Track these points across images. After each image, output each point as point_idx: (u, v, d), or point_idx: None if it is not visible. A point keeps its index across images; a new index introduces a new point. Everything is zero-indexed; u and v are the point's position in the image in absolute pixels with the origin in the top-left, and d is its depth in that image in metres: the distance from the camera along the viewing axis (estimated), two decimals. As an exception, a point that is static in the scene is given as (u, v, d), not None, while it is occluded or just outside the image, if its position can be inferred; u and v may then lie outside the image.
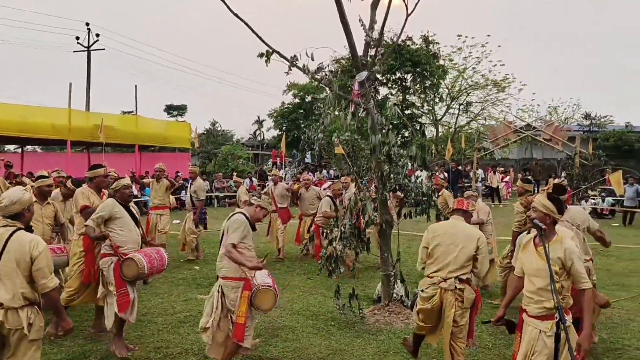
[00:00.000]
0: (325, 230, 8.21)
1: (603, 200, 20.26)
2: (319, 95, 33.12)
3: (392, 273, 7.07)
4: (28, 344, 3.70)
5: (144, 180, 10.60)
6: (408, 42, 29.01)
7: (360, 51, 7.13)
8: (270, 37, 6.65)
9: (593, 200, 19.93)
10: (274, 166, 30.91)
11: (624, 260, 11.28)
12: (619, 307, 7.46)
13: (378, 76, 26.65)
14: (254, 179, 24.40)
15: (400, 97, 31.27)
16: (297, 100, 37.62)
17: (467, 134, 31.64)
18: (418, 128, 21.92)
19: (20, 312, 3.66)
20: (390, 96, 31.37)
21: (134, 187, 17.53)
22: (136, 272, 5.42)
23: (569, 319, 3.86)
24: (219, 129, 45.61)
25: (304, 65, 6.39)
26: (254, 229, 5.27)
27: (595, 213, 19.31)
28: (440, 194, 9.58)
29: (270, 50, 6.66)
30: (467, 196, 8.85)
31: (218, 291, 5.12)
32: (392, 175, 6.72)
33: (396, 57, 27.39)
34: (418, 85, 29.55)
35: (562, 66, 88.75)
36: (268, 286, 5.12)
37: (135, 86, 40.52)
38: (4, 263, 3.63)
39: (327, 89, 7.00)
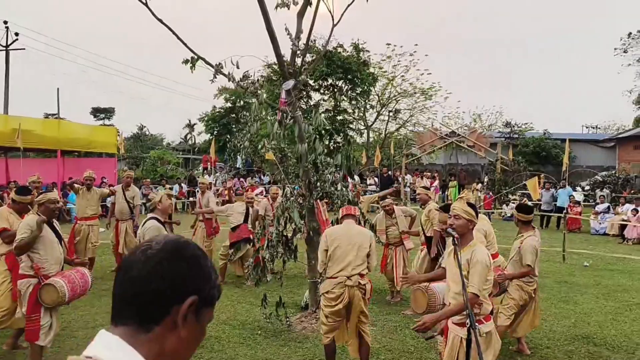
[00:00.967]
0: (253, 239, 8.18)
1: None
2: (251, 100, 32.96)
3: (319, 280, 7.12)
4: None
5: (76, 186, 9.96)
6: (339, 50, 29.40)
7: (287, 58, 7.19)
8: (195, 42, 6.59)
9: (513, 204, 20.88)
10: (204, 172, 30.45)
11: (540, 262, 11.87)
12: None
13: (310, 82, 26.89)
14: (183, 184, 23.92)
15: (333, 103, 31.66)
16: (228, 105, 37.24)
17: (397, 140, 32.43)
18: (344, 136, 22.31)
19: None
20: (322, 102, 31.71)
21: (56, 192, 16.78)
22: (56, 298, 5.09)
23: (488, 325, 4.00)
24: (147, 133, 44.41)
25: (229, 73, 6.36)
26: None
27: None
28: (426, 207, 8.20)
29: (196, 57, 6.61)
30: (385, 205, 9.06)
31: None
32: (318, 184, 6.79)
33: (328, 63, 27.71)
34: (349, 93, 30.01)
35: (485, 74, 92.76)
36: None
37: (58, 89, 38.70)
38: None
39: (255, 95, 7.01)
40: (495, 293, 5.40)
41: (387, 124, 34.73)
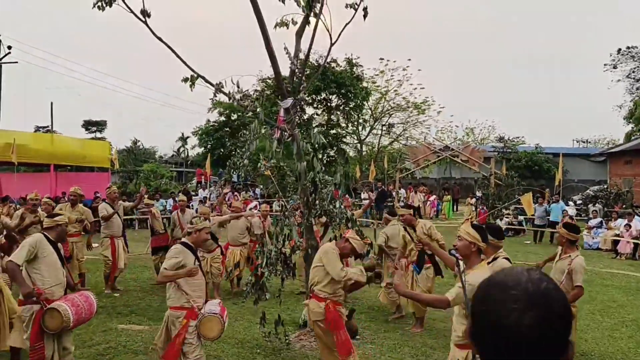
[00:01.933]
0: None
1: (516, 217, 21.38)
2: (245, 114, 33.08)
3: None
4: None
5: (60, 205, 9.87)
6: (333, 64, 29.62)
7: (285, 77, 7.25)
8: (193, 58, 6.63)
9: (507, 219, 20.98)
10: (199, 185, 30.38)
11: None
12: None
13: (304, 96, 27.07)
14: (177, 198, 23.82)
15: (326, 117, 31.81)
16: (222, 119, 37.25)
17: (390, 154, 32.57)
18: (342, 154, 22.40)
19: None
20: (316, 116, 31.86)
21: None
22: (60, 324, 4.88)
23: None
24: (140, 147, 44.34)
25: (229, 92, 6.40)
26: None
27: (509, 231, 20.34)
28: (419, 224, 7.78)
29: (195, 75, 6.64)
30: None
31: (165, 321, 5.22)
32: (317, 202, 6.81)
33: (322, 78, 27.90)
34: (343, 108, 30.20)
35: (478, 89, 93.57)
36: (214, 314, 5.10)
37: (51, 103, 38.60)
38: None
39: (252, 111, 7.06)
40: None
41: (380, 138, 34.92)
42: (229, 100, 6.43)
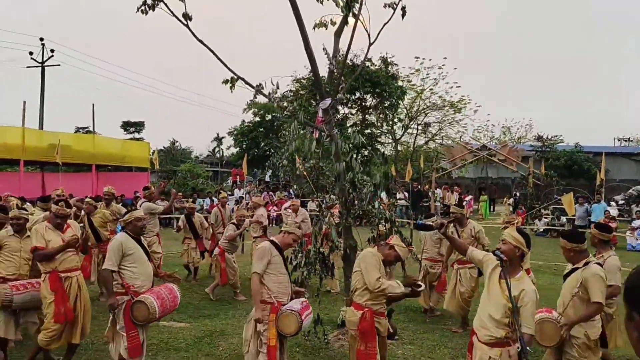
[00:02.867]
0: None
1: (558, 219, 20.89)
2: (280, 114, 33.30)
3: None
4: None
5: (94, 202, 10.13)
6: (367, 63, 29.52)
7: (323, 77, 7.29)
8: (231, 59, 6.72)
9: (546, 220, 20.57)
10: (234, 185, 30.70)
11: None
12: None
13: (342, 96, 27.08)
14: (214, 198, 24.15)
15: (360, 117, 31.74)
16: (257, 119, 37.61)
17: (426, 154, 32.29)
18: (381, 154, 22.33)
19: None
20: (350, 115, 31.81)
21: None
22: (147, 316, 5.11)
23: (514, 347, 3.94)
24: (178, 147, 45.09)
25: (269, 94, 6.46)
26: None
27: (548, 232, 19.94)
28: (467, 226, 7.86)
29: (235, 77, 6.73)
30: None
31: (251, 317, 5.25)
32: (356, 202, 6.82)
33: (356, 77, 27.86)
34: (377, 108, 30.07)
35: (515, 87, 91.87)
36: (293, 311, 5.17)
37: (93, 104, 39.74)
38: None
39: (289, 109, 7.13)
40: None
41: (415, 138, 34.65)
42: (269, 101, 6.49)
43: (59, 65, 33.22)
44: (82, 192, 17.02)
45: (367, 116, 31.82)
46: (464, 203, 20.07)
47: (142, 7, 6.71)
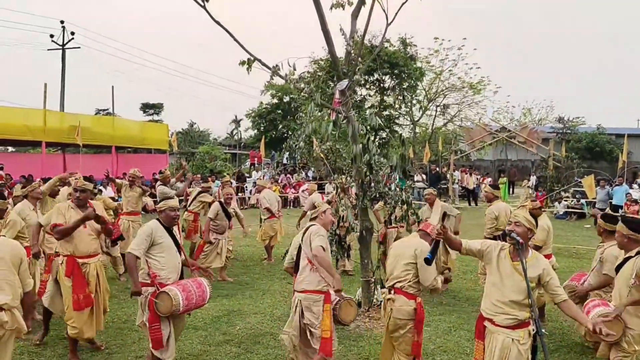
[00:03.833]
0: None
1: (578, 201, 20.64)
2: (297, 96, 33.20)
3: (372, 279, 7.18)
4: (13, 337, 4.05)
5: (117, 181, 10.22)
6: (386, 44, 29.25)
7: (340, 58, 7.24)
8: (249, 41, 6.69)
9: (566, 202, 20.35)
10: (252, 167, 30.84)
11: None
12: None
13: (359, 77, 26.93)
14: (232, 180, 24.32)
15: (378, 99, 31.54)
16: (275, 101, 37.57)
17: (444, 136, 32.01)
18: (398, 136, 22.16)
19: (15, 311, 3.96)
20: (368, 97, 31.62)
21: (110, 188, 17.17)
22: (170, 308, 4.89)
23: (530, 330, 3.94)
24: (196, 129, 45.29)
25: (286, 75, 6.45)
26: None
27: (568, 214, 19.74)
28: (492, 205, 8.45)
29: (252, 59, 6.72)
30: (426, 194, 9.24)
31: (297, 306, 5.01)
32: (372, 184, 6.82)
33: (374, 59, 27.65)
34: (396, 90, 29.83)
35: (536, 68, 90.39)
36: (350, 299, 5.14)
37: (112, 87, 40.08)
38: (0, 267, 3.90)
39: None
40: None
41: (434, 119, 34.37)
42: (285, 82, 6.47)
43: (79, 47, 33.50)
44: (102, 174, 17.27)
45: (385, 98, 31.61)
46: (483, 186, 19.87)
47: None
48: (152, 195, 13.62)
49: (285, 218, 13.80)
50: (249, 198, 22.92)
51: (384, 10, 7.00)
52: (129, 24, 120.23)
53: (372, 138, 6.90)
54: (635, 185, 23.98)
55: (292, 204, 23.72)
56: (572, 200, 20.65)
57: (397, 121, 32.99)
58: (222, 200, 9.75)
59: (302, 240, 5.07)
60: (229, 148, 49.15)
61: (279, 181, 25.27)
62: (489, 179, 26.06)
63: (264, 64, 6.71)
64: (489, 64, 75.46)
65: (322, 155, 9.22)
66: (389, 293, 4.97)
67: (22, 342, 6.11)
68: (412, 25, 54.48)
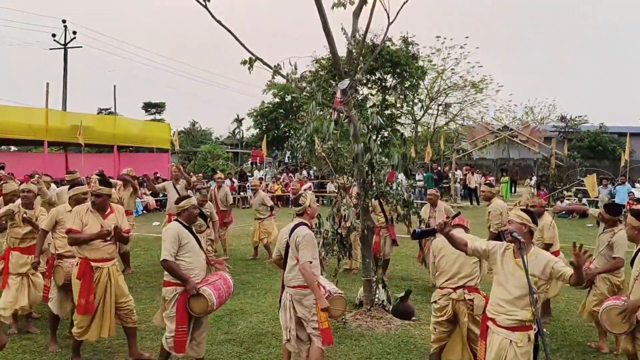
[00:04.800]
0: None
1: (580, 200, 20.59)
2: (299, 95, 33.20)
3: (374, 278, 7.18)
4: None
5: (112, 181, 10.28)
6: (387, 43, 29.22)
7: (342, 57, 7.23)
8: (249, 39, 6.68)
9: (568, 201, 20.30)
10: (254, 166, 30.84)
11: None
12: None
13: (360, 76, 26.95)
14: (234, 179, 24.34)
15: (380, 97, 31.51)
16: (277, 100, 37.56)
17: (446, 135, 31.97)
18: (400, 135, 22.27)
19: None
20: (370, 96, 31.59)
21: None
22: (205, 309, 4.96)
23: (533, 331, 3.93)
24: (198, 128, 45.30)
25: (287, 74, 6.44)
26: None
27: (570, 214, 19.69)
28: (491, 204, 8.64)
29: (254, 58, 6.71)
30: (429, 194, 9.30)
31: (289, 300, 4.99)
32: (374, 183, 6.81)
33: (376, 58, 27.63)
34: (397, 89, 29.81)
35: (538, 66, 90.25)
36: (340, 294, 5.26)
37: (114, 86, 39.93)
38: None
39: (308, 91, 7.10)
40: (582, 286, 5.19)
41: (436, 118, 34.33)
42: (287, 82, 6.47)
43: (81, 47, 33.58)
44: (105, 173, 17.30)
45: (387, 97, 31.58)
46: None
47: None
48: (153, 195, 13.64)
49: (286, 217, 13.81)
50: (251, 197, 22.90)
51: (386, 9, 7.00)
52: (130, 22, 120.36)
53: (373, 137, 6.89)
54: (637, 184, 23.94)
55: (292, 203, 23.69)
56: (574, 200, 20.59)
57: (398, 120, 32.94)
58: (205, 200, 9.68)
59: (289, 238, 5.03)
60: (231, 147, 49.17)
61: (281, 180, 25.27)
62: (492, 178, 26.04)
63: (265, 63, 6.70)
64: (491, 64, 75.39)
65: (323, 155, 9.18)
66: (461, 292, 4.95)
67: (24, 342, 6.12)
68: (414, 23, 54.47)
